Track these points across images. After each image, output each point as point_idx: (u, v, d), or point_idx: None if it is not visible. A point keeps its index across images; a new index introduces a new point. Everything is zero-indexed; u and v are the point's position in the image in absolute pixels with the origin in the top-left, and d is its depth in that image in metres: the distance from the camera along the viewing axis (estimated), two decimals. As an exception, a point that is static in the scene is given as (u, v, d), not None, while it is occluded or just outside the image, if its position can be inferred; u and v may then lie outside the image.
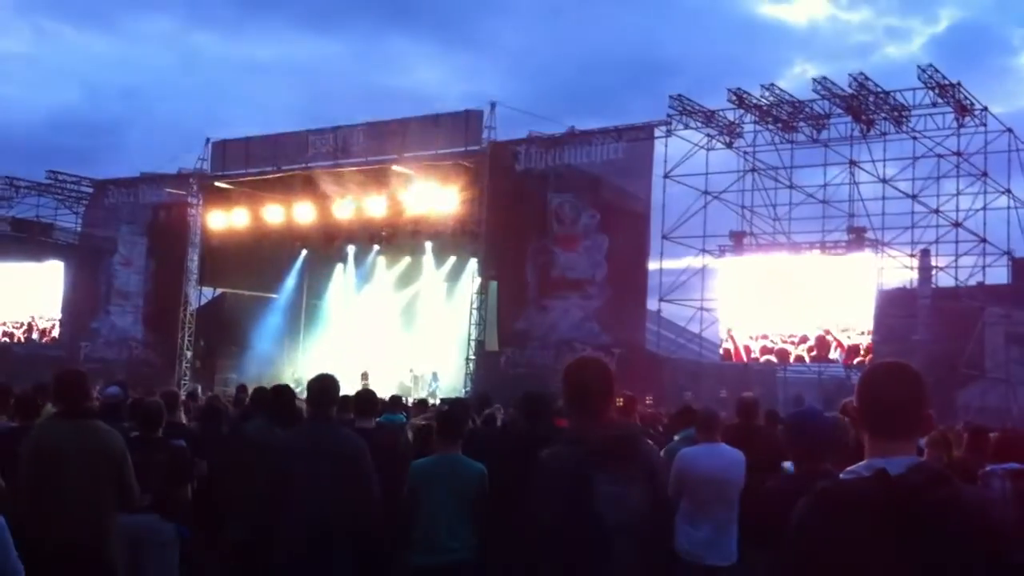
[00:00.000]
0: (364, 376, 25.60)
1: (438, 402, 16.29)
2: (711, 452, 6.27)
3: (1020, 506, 5.77)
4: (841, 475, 2.38)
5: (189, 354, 30.41)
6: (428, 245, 30.11)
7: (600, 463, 3.23)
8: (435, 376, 27.83)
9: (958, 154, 23.69)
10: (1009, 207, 24.55)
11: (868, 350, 21.79)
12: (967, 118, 23.16)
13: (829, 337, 22.80)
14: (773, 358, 23.96)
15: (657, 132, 24.31)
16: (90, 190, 33.80)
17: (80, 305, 32.71)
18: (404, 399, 14.43)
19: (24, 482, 5.38)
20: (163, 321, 30.54)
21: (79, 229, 34.58)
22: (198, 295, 31.40)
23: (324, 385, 5.68)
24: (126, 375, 26.98)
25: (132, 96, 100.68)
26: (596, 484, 3.20)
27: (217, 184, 29.91)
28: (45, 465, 5.34)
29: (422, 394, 26.29)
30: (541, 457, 3.60)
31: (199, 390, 21.80)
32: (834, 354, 22.75)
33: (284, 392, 7.23)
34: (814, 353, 23.20)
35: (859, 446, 4.43)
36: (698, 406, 8.58)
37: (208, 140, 30.11)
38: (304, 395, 6.65)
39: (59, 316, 33.44)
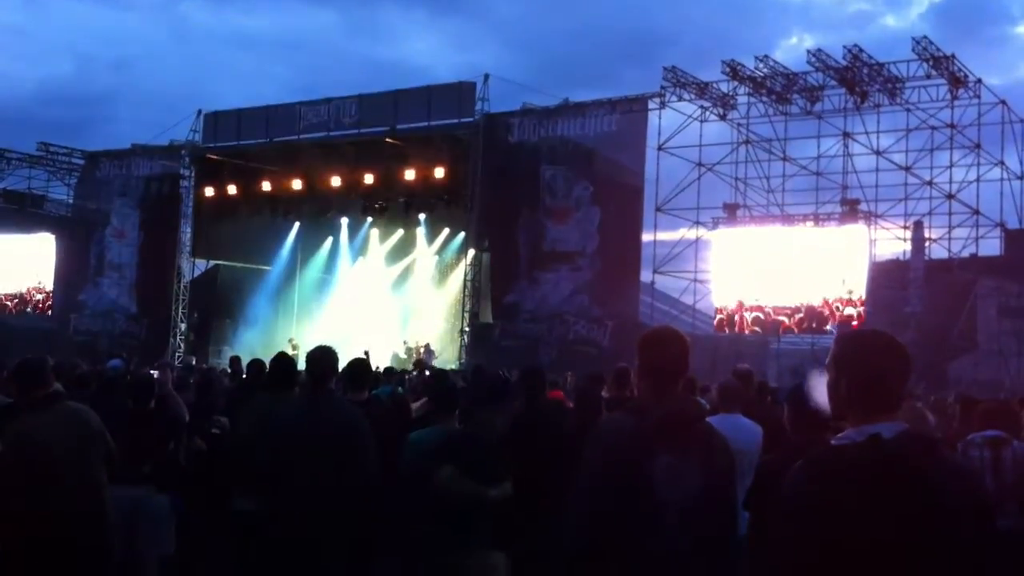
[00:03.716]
0: (366, 355, 25.58)
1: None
2: (728, 423, 6.28)
3: (996, 473, 5.80)
4: (832, 440, 2.39)
5: (183, 326, 30.37)
6: (421, 217, 30.05)
7: (657, 436, 3.19)
8: (428, 348, 27.82)
9: (952, 126, 23.71)
10: (1002, 179, 24.65)
11: (860, 321, 21.88)
12: (961, 90, 23.16)
13: (822, 308, 22.89)
14: (759, 329, 24.08)
15: (651, 104, 24.26)
16: (81, 162, 33.61)
17: (71, 277, 32.65)
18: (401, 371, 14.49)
19: (7, 475, 5.21)
20: (155, 293, 30.44)
21: (71, 201, 34.44)
22: (191, 267, 31.33)
23: (323, 356, 5.64)
24: (109, 346, 26.95)
25: (123, 67, 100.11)
26: (652, 456, 3.15)
27: (209, 156, 29.77)
28: (29, 455, 5.20)
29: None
30: (598, 424, 3.59)
31: (193, 362, 21.82)
32: (827, 325, 22.85)
33: (283, 359, 6.97)
34: (806, 325, 23.30)
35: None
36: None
37: (200, 112, 29.93)
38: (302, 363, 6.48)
39: (51, 288, 33.45)
